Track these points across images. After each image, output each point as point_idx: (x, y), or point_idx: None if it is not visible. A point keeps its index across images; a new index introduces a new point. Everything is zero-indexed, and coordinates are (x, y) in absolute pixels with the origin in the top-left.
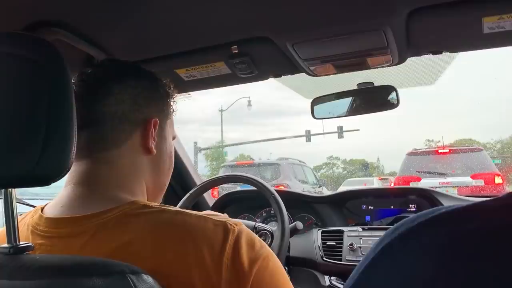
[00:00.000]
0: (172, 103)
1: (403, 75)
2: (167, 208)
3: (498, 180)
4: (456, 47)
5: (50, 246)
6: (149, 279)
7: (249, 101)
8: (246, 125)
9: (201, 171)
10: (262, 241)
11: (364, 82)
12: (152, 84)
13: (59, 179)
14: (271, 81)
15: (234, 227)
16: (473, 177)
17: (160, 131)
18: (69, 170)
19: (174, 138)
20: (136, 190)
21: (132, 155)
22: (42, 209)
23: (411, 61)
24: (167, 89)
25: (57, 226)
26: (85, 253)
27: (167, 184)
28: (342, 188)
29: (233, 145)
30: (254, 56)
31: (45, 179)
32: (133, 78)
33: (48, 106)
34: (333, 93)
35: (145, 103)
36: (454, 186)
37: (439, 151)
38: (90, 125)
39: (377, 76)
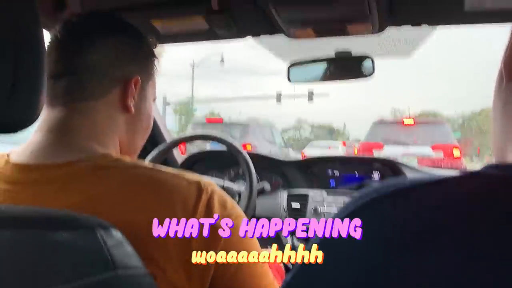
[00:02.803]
0: (156, 63)
1: (380, 45)
2: (141, 163)
3: (456, 153)
4: (436, 21)
5: (16, 193)
6: (118, 234)
7: (222, 58)
8: (218, 81)
9: (169, 126)
10: (234, 201)
11: (341, 51)
12: (138, 41)
13: (27, 127)
14: (246, 39)
15: (207, 186)
16: (433, 147)
17: (141, 90)
18: (37, 118)
19: (154, 100)
20: (109, 144)
21: (108, 110)
22: (8, 155)
23: (389, 31)
24: (152, 48)
25: (24, 173)
26: (54, 202)
27: (141, 146)
28: (308, 150)
29: (203, 102)
30: (234, 13)
31: (12, 127)
32: (119, 33)
33: (16, 50)
34: (311, 59)
35: (128, 60)
36: (415, 155)
37: (405, 122)
38: (69, 74)
39: (354, 44)
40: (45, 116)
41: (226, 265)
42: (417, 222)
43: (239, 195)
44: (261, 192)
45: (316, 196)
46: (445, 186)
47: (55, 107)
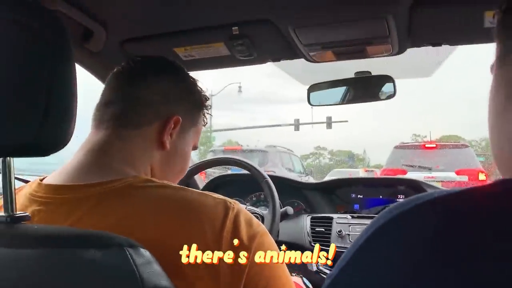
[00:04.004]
0: (206, 115)
1: (401, 66)
2: (170, 184)
3: (481, 176)
4: (456, 40)
5: (49, 212)
6: (146, 253)
7: (240, 87)
8: (235, 111)
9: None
10: (258, 220)
11: (361, 71)
12: (189, 87)
13: (57, 150)
14: (263, 67)
15: (233, 204)
16: (457, 172)
17: (181, 131)
18: (67, 143)
19: (196, 148)
20: (141, 171)
21: (145, 140)
22: (41, 180)
23: (410, 52)
24: (204, 99)
25: (57, 193)
26: (86, 222)
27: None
28: (329, 178)
29: (221, 130)
30: (254, 38)
31: (44, 150)
32: (172, 75)
33: (49, 76)
34: (330, 81)
35: (176, 101)
36: (438, 180)
37: (426, 145)
38: (118, 102)
39: (375, 66)
40: (87, 138)
41: (256, 280)
42: (447, 230)
43: (262, 218)
44: (284, 216)
45: (340, 219)
46: (474, 194)
47: (99, 131)
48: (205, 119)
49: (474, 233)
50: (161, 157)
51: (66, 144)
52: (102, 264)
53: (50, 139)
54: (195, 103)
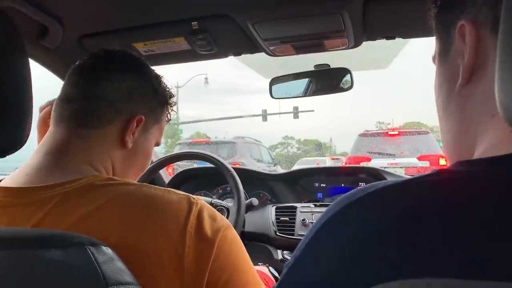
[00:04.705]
0: (170, 111)
1: (358, 58)
2: (131, 181)
3: (442, 161)
4: (408, 33)
5: (10, 216)
6: (108, 250)
7: (206, 79)
8: (203, 103)
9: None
10: (221, 214)
11: (320, 64)
12: (154, 85)
13: (14, 151)
14: (229, 59)
15: (197, 200)
16: (419, 158)
17: (143, 129)
18: (24, 143)
19: (158, 144)
20: (102, 171)
21: (106, 140)
22: None
23: (366, 44)
24: (168, 96)
25: (18, 195)
26: (47, 222)
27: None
28: (296, 167)
29: (189, 122)
30: (214, 33)
31: (0, 151)
32: (136, 74)
33: (2, 78)
34: (291, 74)
35: (139, 99)
36: (401, 166)
37: (389, 133)
38: (80, 99)
39: (334, 58)
40: (46, 136)
41: (219, 273)
42: (390, 221)
43: (228, 210)
44: (250, 207)
45: (304, 208)
46: (417, 183)
47: (59, 128)
48: (168, 115)
49: (418, 224)
50: (122, 156)
51: (23, 145)
52: (64, 264)
53: (6, 140)
54: (159, 101)
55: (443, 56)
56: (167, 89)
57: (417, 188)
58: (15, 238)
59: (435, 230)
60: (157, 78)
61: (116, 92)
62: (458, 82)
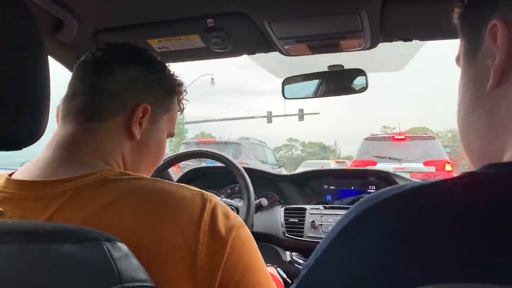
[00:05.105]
0: (182, 101)
1: (373, 60)
2: (145, 176)
3: (448, 167)
4: (426, 35)
5: (23, 209)
6: (124, 247)
7: (212, 79)
8: (208, 103)
9: None
10: (235, 212)
11: (334, 65)
12: (158, 75)
13: (31, 144)
14: (235, 58)
15: (210, 197)
16: (425, 163)
17: (152, 119)
18: (40, 136)
19: (172, 135)
20: (113, 164)
21: (113, 132)
22: (10, 175)
23: (381, 46)
24: (176, 84)
25: (31, 188)
26: (61, 216)
27: (146, 174)
28: (301, 169)
29: (194, 122)
30: (229, 31)
31: (16, 144)
32: (139, 65)
33: (21, 72)
34: (304, 74)
35: (143, 89)
36: (407, 171)
37: (395, 137)
38: (85, 94)
39: (347, 60)
40: (55, 132)
41: (231, 273)
42: (418, 222)
43: (237, 210)
44: (259, 207)
45: (313, 210)
46: (449, 185)
47: (66, 123)
48: (181, 104)
49: (446, 226)
50: (132, 148)
51: (39, 138)
52: (79, 259)
53: (23, 133)
54: (166, 89)
55: (470, 57)
56: (174, 77)
57: (450, 189)
58: (29, 231)
59: (475, 232)
60: (162, 67)
61: (119, 84)
62: (489, 83)
